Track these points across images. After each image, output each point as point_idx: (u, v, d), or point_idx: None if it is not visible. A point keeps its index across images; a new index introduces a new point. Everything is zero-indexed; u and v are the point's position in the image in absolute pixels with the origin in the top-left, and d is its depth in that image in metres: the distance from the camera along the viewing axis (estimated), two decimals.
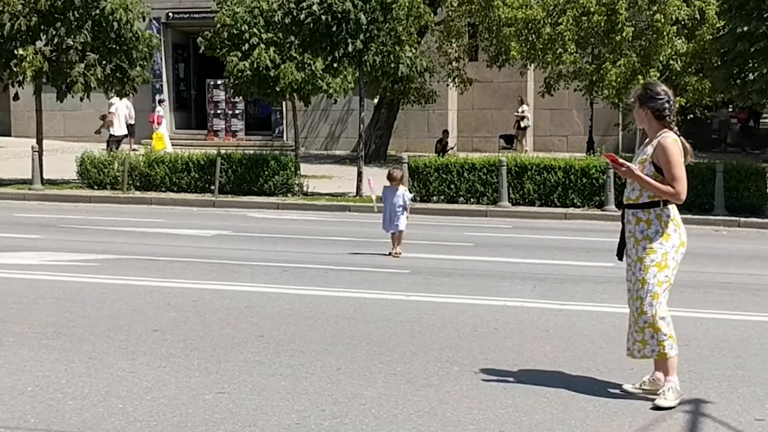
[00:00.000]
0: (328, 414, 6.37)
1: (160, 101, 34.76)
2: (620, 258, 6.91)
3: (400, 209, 13.58)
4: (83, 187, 23.08)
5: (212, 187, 21.75)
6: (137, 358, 7.72)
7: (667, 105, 6.70)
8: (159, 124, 31.85)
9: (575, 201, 20.52)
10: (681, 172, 6.60)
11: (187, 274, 11.67)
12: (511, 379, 7.27)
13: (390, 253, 13.49)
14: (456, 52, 31.44)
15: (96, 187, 22.87)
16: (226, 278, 11.41)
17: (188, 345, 8.13)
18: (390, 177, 13.91)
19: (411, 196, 14.00)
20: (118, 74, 23.24)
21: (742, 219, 18.59)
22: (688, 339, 8.32)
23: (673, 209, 6.70)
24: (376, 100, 32.78)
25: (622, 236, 6.87)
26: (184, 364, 7.53)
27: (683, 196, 6.60)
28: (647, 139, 6.86)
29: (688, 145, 6.73)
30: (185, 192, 22.25)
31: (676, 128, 6.77)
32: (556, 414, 6.42)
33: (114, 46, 22.89)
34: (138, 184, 22.63)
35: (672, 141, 6.64)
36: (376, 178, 24.39)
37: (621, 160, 6.75)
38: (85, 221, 17.56)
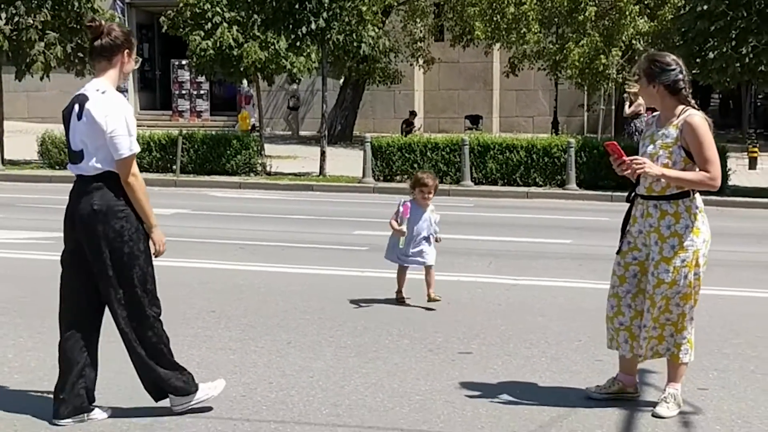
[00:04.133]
0: (275, 386, 6.38)
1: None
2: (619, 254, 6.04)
3: (423, 239, 9.03)
4: (44, 167, 22.94)
5: (174, 167, 21.65)
6: None
7: (681, 76, 5.80)
8: (247, 104, 33.21)
9: (537, 180, 20.59)
10: (714, 154, 5.74)
11: None
12: (460, 352, 7.30)
13: (399, 298, 9.11)
14: (421, 32, 31.41)
15: (57, 167, 22.70)
16: (182, 255, 11.36)
17: None
18: (419, 183, 9.03)
19: (437, 218, 9.20)
20: (79, 54, 23.07)
21: (702, 197, 18.68)
22: None
23: (699, 198, 5.89)
24: (342, 81, 32.72)
25: (624, 225, 6.00)
26: None
27: (719, 182, 5.73)
28: (654, 119, 5.98)
29: (710, 121, 5.86)
30: (147, 172, 22.08)
31: (694, 102, 5.90)
32: (503, 386, 6.46)
33: (74, 25, 22.72)
34: None
35: (701, 119, 5.76)
36: (341, 159, 24.48)
37: (636, 159, 5.71)
38: (44, 200, 17.42)
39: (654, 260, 5.80)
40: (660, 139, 5.81)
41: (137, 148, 5.54)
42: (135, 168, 5.53)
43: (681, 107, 5.81)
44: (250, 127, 31.13)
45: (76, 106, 5.56)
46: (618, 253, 6.01)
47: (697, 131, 5.70)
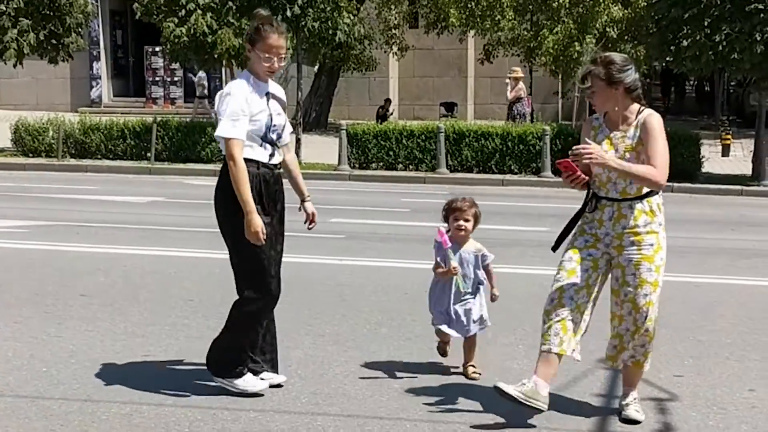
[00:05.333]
0: None
1: None
2: (554, 250, 5.83)
3: (471, 286, 6.57)
4: (18, 155, 22.77)
5: (148, 155, 21.55)
6: (63, 322, 7.67)
7: (636, 75, 5.62)
8: None
9: (512, 167, 20.64)
10: (665, 152, 5.47)
11: (118, 240, 11.59)
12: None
13: (440, 347, 6.77)
14: (395, 18, 31.37)
15: (31, 154, 22.58)
16: (158, 244, 11.35)
17: (116, 309, 8.09)
18: (451, 208, 6.56)
19: (491, 258, 6.66)
20: (52, 41, 22.94)
21: (675, 184, 18.81)
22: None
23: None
24: (316, 68, 32.62)
25: (570, 227, 5.78)
26: (111, 328, 7.50)
27: (664, 180, 5.44)
28: (601, 121, 5.70)
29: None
30: (121, 159, 22.03)
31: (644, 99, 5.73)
32: (482, 372, 6.49)
33: (47, 12, 22.58)
34: (73, 151, 22.36)
35: (659, 120, 5.55)
36: (317, 146, 24.44)
37: (587, 148, 5.41)
38: (18, 189, 17.33)
39: (633, 260, 5.53)
40: (621, 143, 5.56)
41: (230, 134, 5.68)
42: (235, 152, 5.68)
43: (637, 107, 5.60)
44: None
45: None
46: (569, 248, 5.69)
47: (654, 130, 5.48)
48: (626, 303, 5.59)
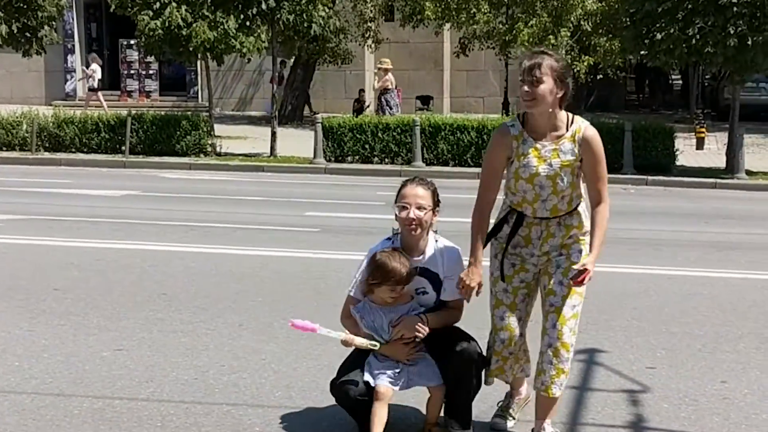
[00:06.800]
0: (227, 369, 6.37)
1: (282, 62, 33.77)
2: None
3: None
4: None
5: (123, 148, 21.45)
6: (36, 316, 7.63)
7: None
8: (279, 84, 32.49)
9: None
10: (606, 170, 5.08)
11: (92, 234, 11.53)
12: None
13: None
14: (371, 11, 31.33)
15: (4, 148, 22.39)
16: (132, 237, 11.30)
17: (88, 303, 8.05)
18: (381, 274, 5.44)
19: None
20: (26, 33, 22.79)
21: (650, 177, 18.91)
22: (588, 292, 8.42)
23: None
24: (292, 61, 32.54)
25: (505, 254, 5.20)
26: (83, 323, 7.46)
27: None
28: (518, 127, 5.04)
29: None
30: (96, 153, 21.89)
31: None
32: None
33: (21, 4, 22.42)
34: (47, 145, 22.22)
35: (596, 132, 5.04)
36: (292, 139, 24.39)
37: (577, 278, 4.87)
38: None
39: (561, 267, 5.07)
40: (555, 157, 4.98)
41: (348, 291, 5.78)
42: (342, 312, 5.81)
43: (566, 114, 5.01)
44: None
45: None
46: (501, 279, 5.21)
47: (597, 147, 4.98)
48: (551, 314, 5.08)
